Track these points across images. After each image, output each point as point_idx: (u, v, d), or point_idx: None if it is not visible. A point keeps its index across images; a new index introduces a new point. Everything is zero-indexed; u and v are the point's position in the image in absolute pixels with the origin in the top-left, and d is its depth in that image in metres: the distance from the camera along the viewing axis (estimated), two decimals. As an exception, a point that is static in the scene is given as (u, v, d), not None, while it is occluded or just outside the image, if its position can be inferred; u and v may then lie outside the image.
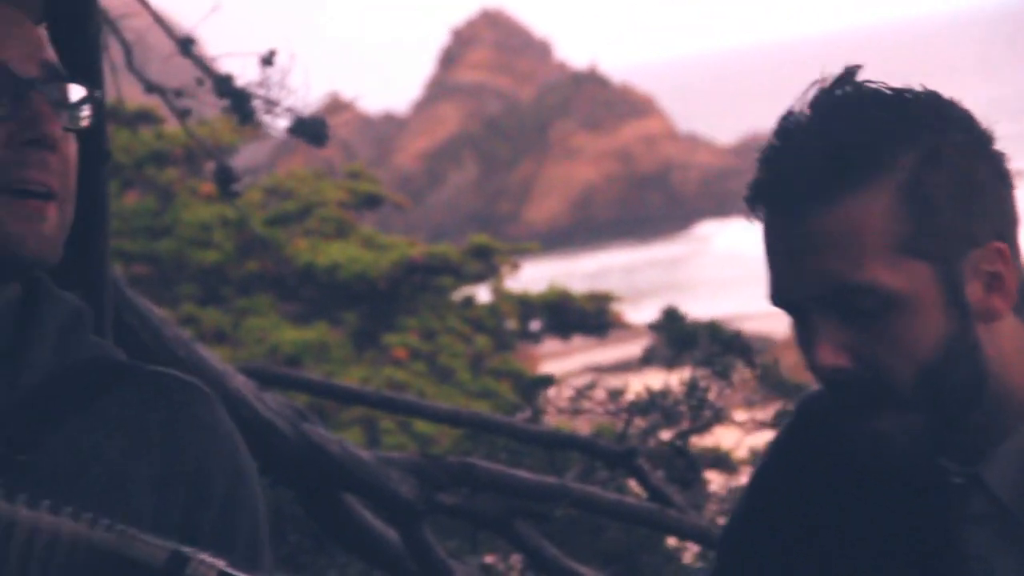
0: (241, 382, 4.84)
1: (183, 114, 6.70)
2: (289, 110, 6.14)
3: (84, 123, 1.81)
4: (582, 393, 6.10)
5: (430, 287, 13.01)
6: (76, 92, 1.80)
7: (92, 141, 2.79)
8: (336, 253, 12.69)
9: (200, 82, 6.04)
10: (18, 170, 1.73)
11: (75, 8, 2.74)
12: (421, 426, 10.26)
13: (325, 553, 6.08)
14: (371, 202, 13.90)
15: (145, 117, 11.78)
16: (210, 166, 10.24)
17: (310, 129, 5.86)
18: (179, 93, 6.33)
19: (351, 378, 11.58)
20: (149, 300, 4.69)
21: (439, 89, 64.33)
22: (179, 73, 6.56)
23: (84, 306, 1.86)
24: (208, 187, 12.43)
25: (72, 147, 1.79)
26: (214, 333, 11.90)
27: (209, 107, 6.49)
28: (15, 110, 1.74)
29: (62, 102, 1.79)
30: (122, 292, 4.41)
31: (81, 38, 2.76)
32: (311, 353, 11.90)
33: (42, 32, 1.82)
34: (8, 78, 1.74)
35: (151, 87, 6.27)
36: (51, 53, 1.80)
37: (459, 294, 13.55)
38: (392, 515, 5.33)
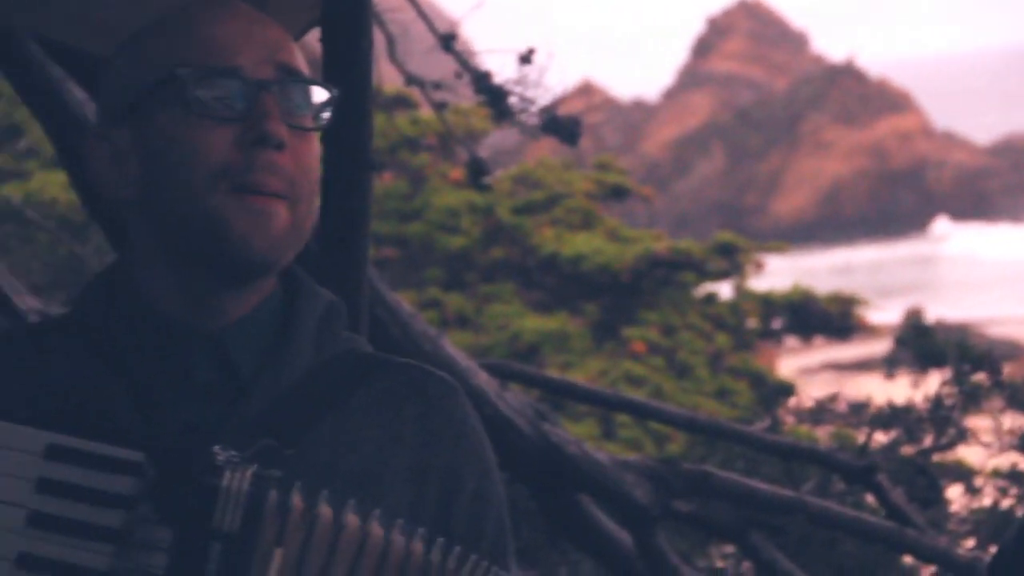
0: (483, 379, 4.89)
1: (440, 107, 6.80)
2: (544, 108, 6.17)
3: (324, 122, 1.82)
4: (823, 405, 6.02)
5: (672, 282, 12.96)
6: (318, 93, 1.82)
7: (358, 151, 2.84)
8: (581, 244, 12.73)
9: (459, 76, 6.11)
10: (246, 171, 1.75)
11: (349, 18, 2.79)
12: (656, 423, 10.24)
13: (557, 549, 6.11)
14: (617, 194, 13.90)
15: (402, 102, 11.96)
16: (462, 152, 10.35)
17: (564, 128, 5.89)
18: (437, 86, 6.42)
19: (589, 370, 11.61)
20: (396, 282, 4.76)
21: (691, 77, 63.98)
22: (439, 65, 6.65)
23: (338, 300, 1.90)
24: (458, 173, 12.57)
25: (308, 149, 1.81)
26: (457, 318, 12.04)
27: (464, 95, 6.57)
28: (246, 111, 1.77)
29: (301, 103, 1.81)
30: (374, 286, 4.49)
31: (351, 44, 2.80)
32: (551, 342, 11.96)
33: (284, 35, 1.84)
34: (238, 81, 1.77)
35: (411, 79, 6.38)
36: (290, 55, 1.82)
37: (701, 290, 13.48)
38: (626, 518, 5.34)
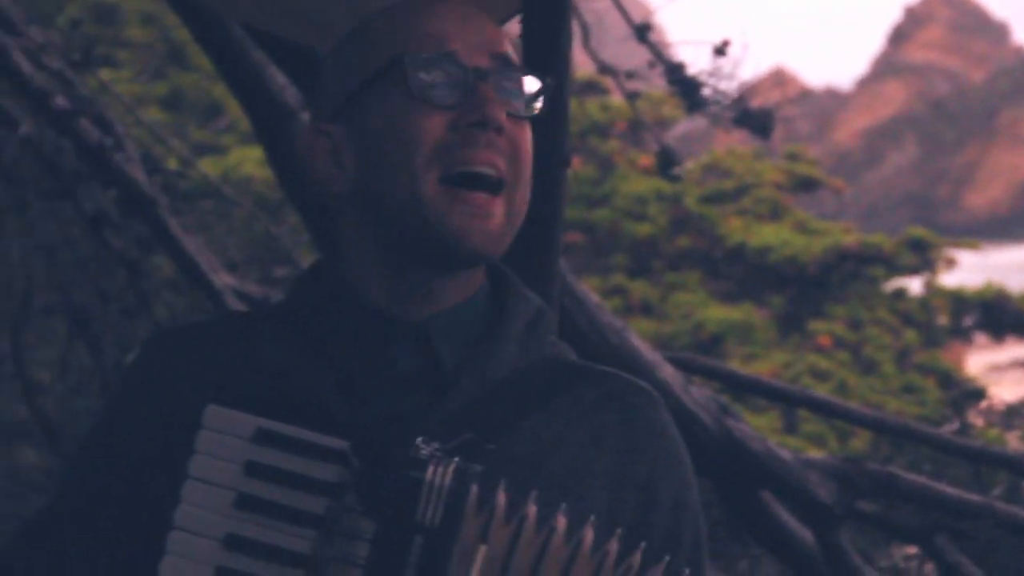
0: (669, 373, 4.87)
1: (632, 96, 6.79)
2: (737, 101, 6.14)
3: (536, 111, 1.84)
4: (1015, 410, 5.91)
5: (861, 276, 12.80)
6: (530, 83, 1.84)
7: (555, 146, 2.85)
8: (768, 235, 12.63)
9: (652, 66, 6.10)
10: (465, 150, 1.78)
11: (549, 13, 2.80)
12: (842, 422, 10.12)
13: (739, 543, 6.09)
14: (807, 185, 13.76)
15: (592, 88, 11.97)
16: (651, 139, 10.34)
17: (756, 121, 5.85)
18: (630, 75, 6.42)
19: (772, 362, 11.52)
20: (582, 268, 4.77)
21: (886, 66, 62.97)
22: (632, 54, 6.65)
23: (545, 307, 1.91)
24: (647, 160, 12.54)
25: (524, 136, 1.83)
26: (641, 306, 12.02)
27: (655, 82, 6.56)
28: (463, 98, 1.79)
29: (515, 91, 1.83)
30: (562, 276, 4.50)
31: (551, 38, 2.81)
32: (735, 333, 11.89)
33: (496, 27, 1.86)
34: (457, 67, 1.80)
35: (605, 68, 6.38)
36: (505, 46, 1.85)
37: (890, 285, 13.29)
38: (809, 517, 5.29)
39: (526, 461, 1.78)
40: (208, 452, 1.64)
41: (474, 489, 1.64)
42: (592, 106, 12.33)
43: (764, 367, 11.42)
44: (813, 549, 5.32)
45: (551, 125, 2.90)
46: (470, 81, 1.79)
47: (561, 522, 1.66)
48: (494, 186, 1.79)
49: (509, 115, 1.80)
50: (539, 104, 1.84)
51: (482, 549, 1.63)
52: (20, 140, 5.49)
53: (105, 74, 8.26)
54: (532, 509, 1.65)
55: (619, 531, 1.68)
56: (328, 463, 1.63)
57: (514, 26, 2.91)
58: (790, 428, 10.44)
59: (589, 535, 1.67)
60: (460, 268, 1.81)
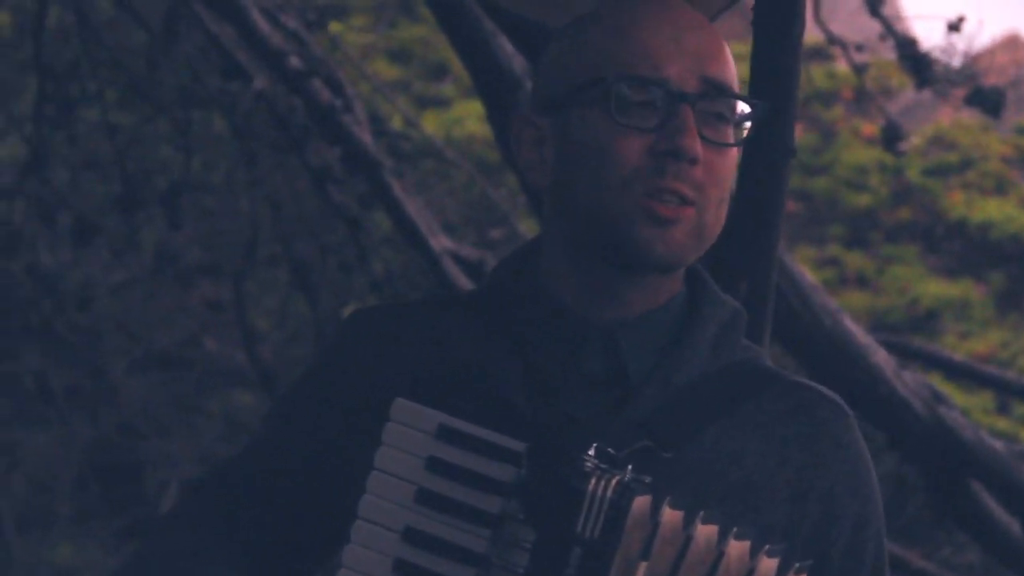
0: (882, 358, 4.82)
1: (860, 69, 6.70)
2: (969, 78, 6.02)
3: (743, 135, 1.83)
4: None
5: (1087, 256, 12.45)
6: (741, 107, 1.83)
7: (780, 135, 2.82)
8: (992, 210, 12.34)
9: (883, 38, 6.00)
10: (655, 178, 1.78)
11: (780, 12, 2.77)
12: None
13: (943, 529, 6.02)
14: (1035, 160, 13.39)
15: (817, 54, 11.80)
16: (876, 109, 10.16)
17: (987, 99, 5.73)
18: (859, 48, 6.33)
19: (989, 341, 11.29)
20: (796, 237, 4.73)
21: (1123, 36, 60.85)
22: (862, 25, 6.55)
23: (741, 309, 1.90)
24: (870, 128, 12.35)
25: (722, 163, 1.81)
26: (856, 278, 11.86)
27: (882, 53, 6.45)
28: (664, 122, 1.79)
29: (721, 116, 1.82)
30: (778, 258, 4.47)
31: (783, 34, 2.79)
32: (951, 309, 11.66)
33: (713, 39, 1.84)
34: (663, 92, 1.79)
35: (833, 40, 6.30)
36: (718, 67, 1.83)
37: (1117, 267, 12.90)
38: (1017, 507, 5.21)
39: (704, 472, 1.77)
40: (393, 444, 1.68)
41: (636, 503, 1.64)
42: (817, 73, 12.15)
43: (980, 345, 11.19)
44: (1019, 539, 5.24)
45: (778, 116, 2.87)
46: (674, 107, 1.79)
47: (734, 546, 1.65)
48: (683, 200, 1.80)
49: (709, 142, 1.80)
50: (747, 127, 1.83)
51: (643, 566, 1.62)
52: (254, 95, 5.62)
53: (335, 27, 8.38)
54: (701, 530, 1.64)
55: (797, 566, 1.67)
56: (505, 464, 1.65)
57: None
58: (1002, 409, 10.23)
59: (766, 563, 1.66)
60: (642, 275, 1.82)
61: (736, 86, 1.86)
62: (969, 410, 8.49)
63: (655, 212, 1.77)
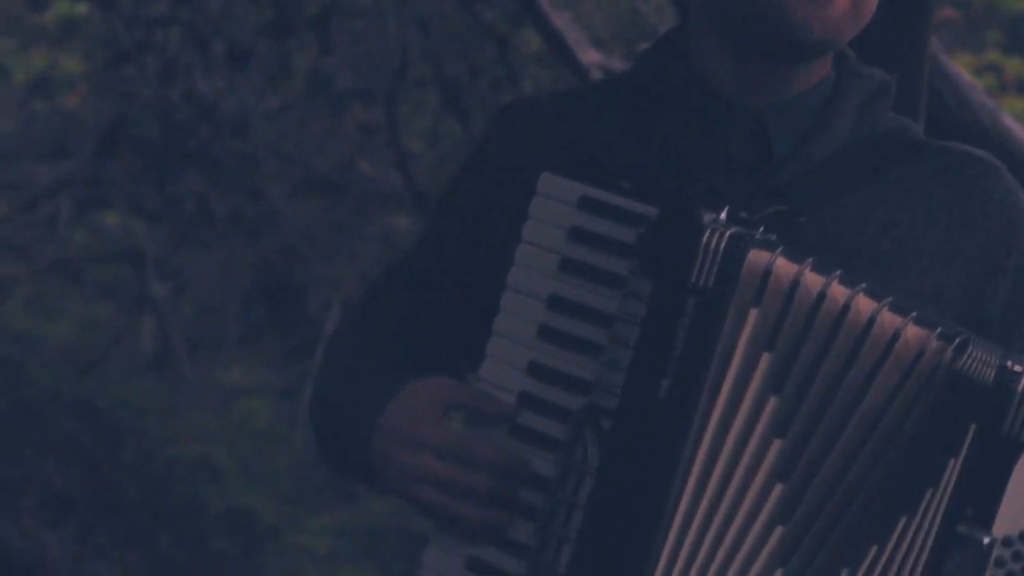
0: (1044, 156, 4.73)
1: None
2: None
3: None
4: None
5: None
6: None
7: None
8: None
9: None
10: None
11: None
12: None
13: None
14: None
15: None
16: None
17: None
18: None
19: None
20: (954, 45, 4.65)
21: None
22: None
23: (889, 80, 1.87)
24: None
25: None
26: (1016, 83, 11.61)
27: None
28: None
29: None
30: (933, 55, 4.40)
31: None
32: (1116, 114, 11.37)
33: None
34: None
35: None
36: None
37: None
38: None
39: (845, 239, 1.77)
40: (539, 217, 1.72)
41: (752, 254, 1.64)
42: None
43: None
44: None
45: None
46: None
47: (837, 291, 1.64)
48: None
49: None
50: None
51: (753, 313, 1.64)
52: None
53: None
54: (810, 277, 1.64)
55: (940, 330, 1.65)
56: (635, 227, 1.68)
57: None
58: None
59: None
60: (800, 59, 1.80)
61: None
62: None
63: None
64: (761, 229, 1.67)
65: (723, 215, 1.65)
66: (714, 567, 1.65)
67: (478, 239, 1.86)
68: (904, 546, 1.64)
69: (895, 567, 1.65)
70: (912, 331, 1.65)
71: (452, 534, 1.72)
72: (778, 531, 1.65)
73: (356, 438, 1.79)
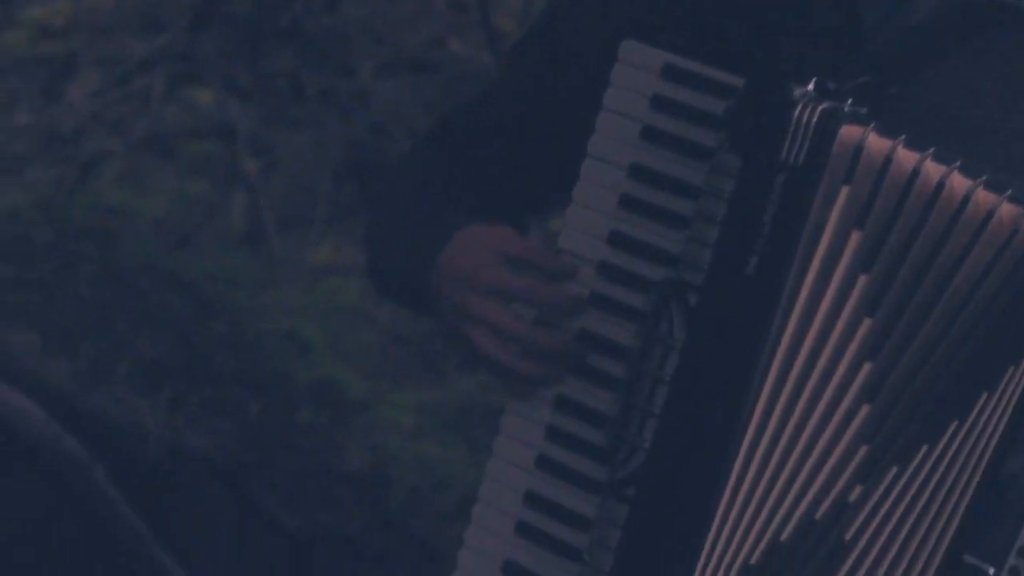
0: None
1: None
2: None
3: None
4: None
5: None
6: None
7: None
8: None
9: None
10: None
11: None
12: None
13: None
14: None
15: None
16: None
17: None
18: None
19: None
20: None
21: None
22: None
23: None
24: None
25: None
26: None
27: None
28: None
29: None
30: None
31: None
32: None
33: None
34: None
35: None
36: None
37: None
38: None
39: (936, 111, 1.74)
40: (621, 85, 1.70)
41: (845, 130, 1.62)
42: None
43: None
44: None
45: None
46: None
47: (931, 168, 1.62)
48: None
49: None
50: None
51: (844, 190, 1.62)
52: None
53: None
54: (903, 154, 1.61)
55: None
56: (722, 98, 1.65)
57: None
58: None
59: (982, 196, 1.62)
60: None
61: None
62: None
63: None
64: (850, 101, 1.64)
65: (811, 86, 1.63)
66: (799, 445, 1.65)
67: (554, 91, 1.84)
68: (982, 422, 1.64)
69: (971, 442, 1.64)
70: (1007, 209, 1.62)
71: (529, 404, 1.71)
72: (864, 409, 1.65)
73: (413, 267, 1.79)
